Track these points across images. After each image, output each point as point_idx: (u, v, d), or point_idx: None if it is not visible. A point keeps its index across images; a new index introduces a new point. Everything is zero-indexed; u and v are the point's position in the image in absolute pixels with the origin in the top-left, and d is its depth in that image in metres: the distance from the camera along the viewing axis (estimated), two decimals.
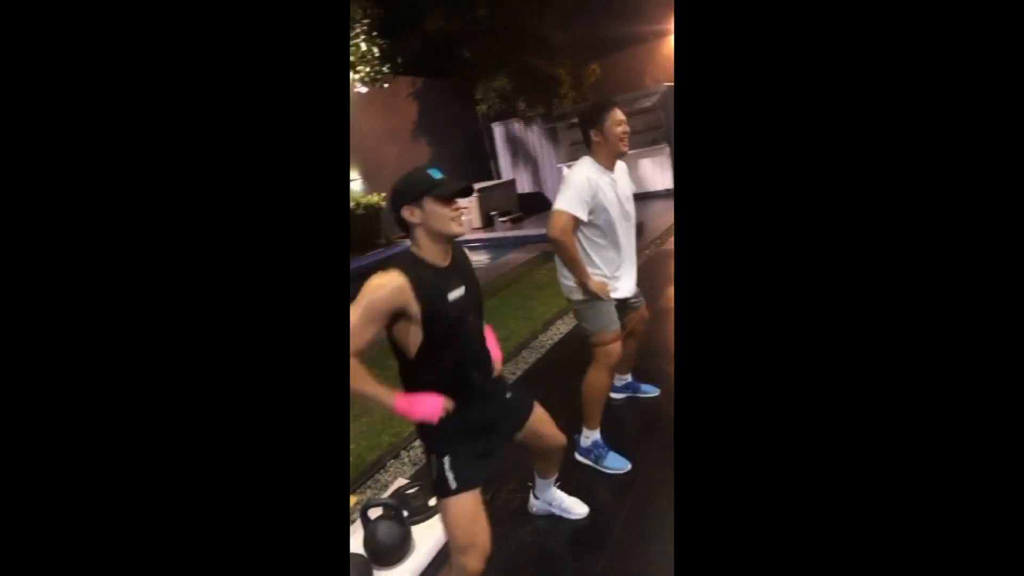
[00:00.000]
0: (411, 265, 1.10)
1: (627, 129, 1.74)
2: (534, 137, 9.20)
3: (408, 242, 1.16)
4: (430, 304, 1.07)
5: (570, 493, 1.67)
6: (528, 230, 7.17)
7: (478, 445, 1.18)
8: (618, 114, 1.72)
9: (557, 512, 1.65)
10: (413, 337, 1.10)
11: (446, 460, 1.13)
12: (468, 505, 1.13)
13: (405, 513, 1.63)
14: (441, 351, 1.12)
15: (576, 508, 1.64)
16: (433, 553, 1.60)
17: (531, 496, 1.69)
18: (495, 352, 1.29)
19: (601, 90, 8.18)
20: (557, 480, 1.63)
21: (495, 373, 1.27)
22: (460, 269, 1.18)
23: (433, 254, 1.13)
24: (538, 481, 1.61)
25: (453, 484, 1.12)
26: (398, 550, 1.55)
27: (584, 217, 1.68)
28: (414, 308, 1.06)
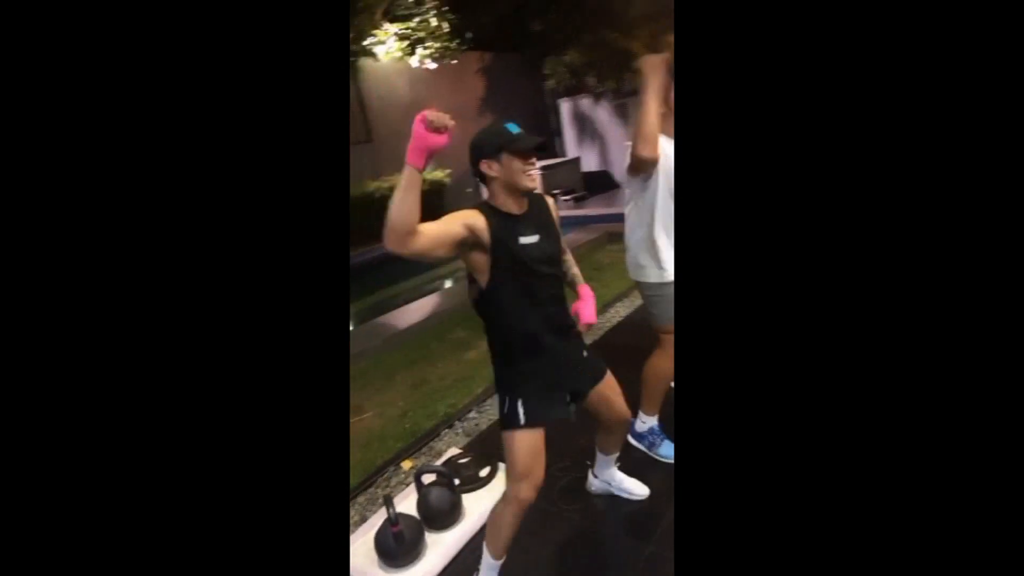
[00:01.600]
0: (486, 209, 1.18)
1: None
2: (602, 114, 8.93)
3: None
4: (499, 241, 1.15)
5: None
6: (591, 210, 7.02)
7: (546, 392, 1.24)
8: None
9: (616, 492, 1.65)
10: (483, 269, 1.18)
11: (519, 401, 1.21)
12: (533, 439, 1.22)
13: (456, 481, 1.68)
14: (509, 290, 1.19)
15: (636, 489, 1.64)
16: (482, 522, 1.65)
17: (590, 475, 1.68)
18: (590, 315, 1.30)
19: None
20: (618, 461, 1.61)
21: (575, 331, 1.31)
22: (537, 218, 1.23)
23: (508, 205, 1.19)
24: (599, 458, 1.61)
25: (523, 420, 1.20)
26: (449, 515, 1.61)
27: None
28: (485, 238, 1.14)
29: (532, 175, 1.18)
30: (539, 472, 1.23)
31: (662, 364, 1.75)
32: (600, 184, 8.52)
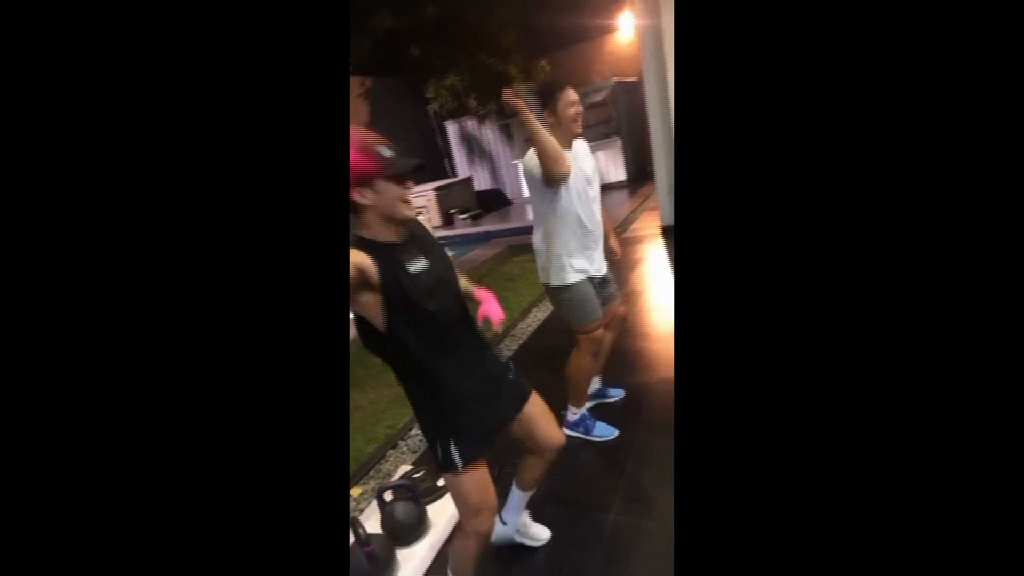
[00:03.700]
0: (363, 244, 1.05)
1: (580, 110, 1.72)
2: (488, 134, 9.27)
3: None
4: (388, 275, 1.02)
5: (566, 463, 1.72)
6: (489, 226, 7.24)
7: (475, 424, 1.15)
8: (570, 95, 1.71)
9: (519, 539, 1.57)
10: (376, 310, 1.03)
11: (451, 443, 1.12)
12: (476, 475, 1.15)
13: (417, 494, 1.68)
14: (410, 328, 1.06)
15: (541, 534, 1.59)
16: (450, 529, 1.67)
17: (497, 521, 1.47)
18: (497, 313, 1.25)
19: None
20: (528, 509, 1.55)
21: (493, 329, 1.25)
22: (419, 241, 1.12)
23: (385, 234, 1.06)
24: (513, 496, 1.47)
25: (459, 463, 1.12)
26: (416, 528, 1.61)
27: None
28: (372, 275, 1.00)
29: (411, 202, 1.06)
30: (492, 500, 1.18)
31: (582, 362, 1.90)
32: (493, 201, 8.82)
